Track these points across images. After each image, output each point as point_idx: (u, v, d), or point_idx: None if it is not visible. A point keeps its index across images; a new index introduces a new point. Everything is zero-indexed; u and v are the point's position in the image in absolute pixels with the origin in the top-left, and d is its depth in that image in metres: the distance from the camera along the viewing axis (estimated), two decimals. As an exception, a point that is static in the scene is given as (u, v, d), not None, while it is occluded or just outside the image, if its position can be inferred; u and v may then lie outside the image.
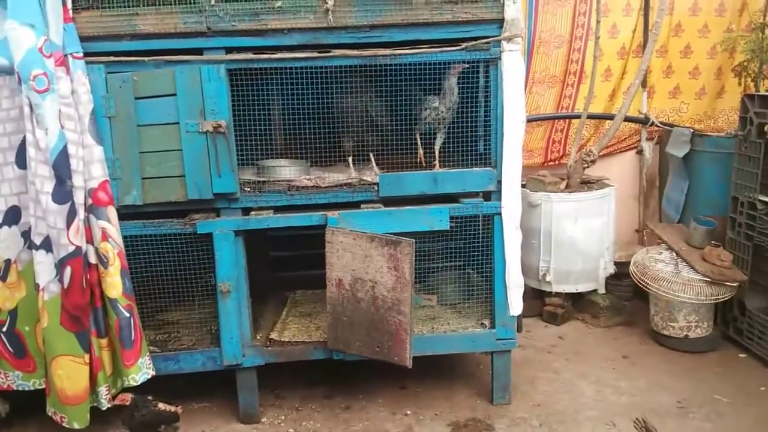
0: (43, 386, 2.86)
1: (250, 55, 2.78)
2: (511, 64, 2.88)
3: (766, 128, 3.59)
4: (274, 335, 3.23)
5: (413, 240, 2.78)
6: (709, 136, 4.28)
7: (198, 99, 2.74)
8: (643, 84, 4.62)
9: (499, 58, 2.87)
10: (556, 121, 4.68)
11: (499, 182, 3.02)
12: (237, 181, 2.86)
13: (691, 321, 3.72)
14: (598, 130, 4.68)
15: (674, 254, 3.84)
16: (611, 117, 4.31)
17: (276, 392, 3.41)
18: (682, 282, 3.65)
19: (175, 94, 2.74)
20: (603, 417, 3.10)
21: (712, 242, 3.79)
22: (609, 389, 3.36)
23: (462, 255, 3.23)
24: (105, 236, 2.75)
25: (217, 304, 2.97)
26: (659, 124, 4.60)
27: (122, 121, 2.76)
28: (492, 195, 3.06)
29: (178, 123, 2.76)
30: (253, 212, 2.95)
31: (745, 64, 4.11)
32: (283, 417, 3.21)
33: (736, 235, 3.81)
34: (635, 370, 3.57)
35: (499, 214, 3.04)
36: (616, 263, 4.27)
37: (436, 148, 3.13)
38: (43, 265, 2.71)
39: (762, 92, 3.84)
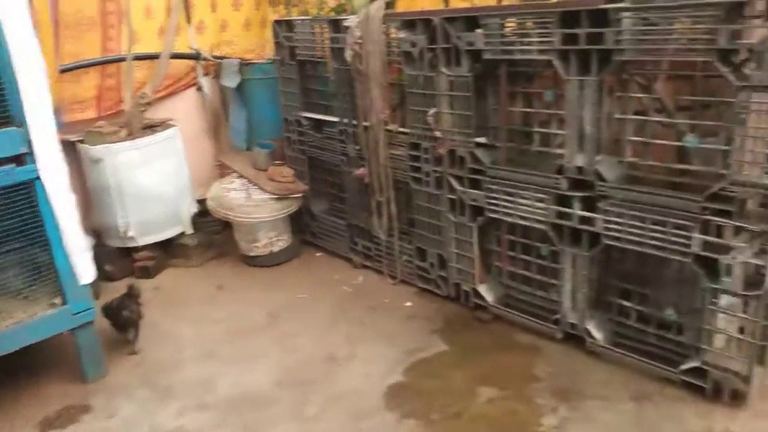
0: None
1: None
2: (-2, 1, 2.47)
3: (296, 51, 3.95)
4: None
5: None
6: (255, 63, 4.51)
7: None
8: (189, 19, 4.59)
9: (-21, -3, 2.43)
10: (106, 66, 4.33)
11: (31, 142, 2.66)
12: None
13: (272, 237, 4.02)
14: (152, 70, 4.52)
15: (244, 180, 4.05)
16: (158, 56, 4.18)
17: None
18: (254, 204, 3.89)
19: None
20: (201, 350, 3.17)
21: (275, 162, 4.11)
22: (207, 323, 3.43)
23: (19, 234, 2.79)
24: None
25: None
26: (210, 58, 4.66)
27: None
28: (26, 158, 2.69)
29: None
30: None
31: (278, -8, 4.40)
32: None
33: (292, 152, 4.20)
34: (229, 296, 3.73)
35: (38, 178, 2.70)
36: (199, 201, 4.29)
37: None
38: None
39: (288, 17, 4.17)
